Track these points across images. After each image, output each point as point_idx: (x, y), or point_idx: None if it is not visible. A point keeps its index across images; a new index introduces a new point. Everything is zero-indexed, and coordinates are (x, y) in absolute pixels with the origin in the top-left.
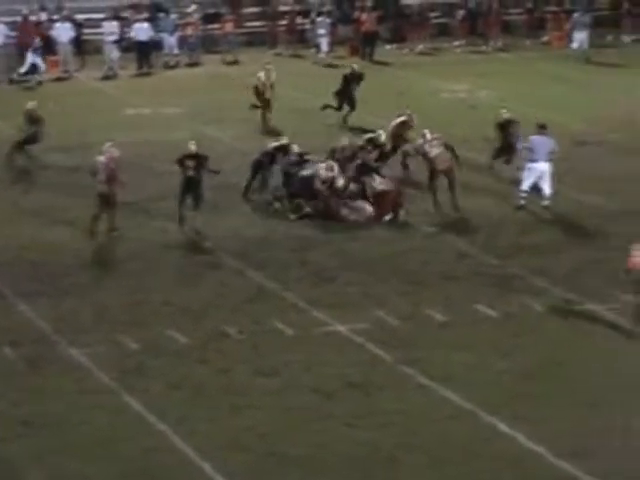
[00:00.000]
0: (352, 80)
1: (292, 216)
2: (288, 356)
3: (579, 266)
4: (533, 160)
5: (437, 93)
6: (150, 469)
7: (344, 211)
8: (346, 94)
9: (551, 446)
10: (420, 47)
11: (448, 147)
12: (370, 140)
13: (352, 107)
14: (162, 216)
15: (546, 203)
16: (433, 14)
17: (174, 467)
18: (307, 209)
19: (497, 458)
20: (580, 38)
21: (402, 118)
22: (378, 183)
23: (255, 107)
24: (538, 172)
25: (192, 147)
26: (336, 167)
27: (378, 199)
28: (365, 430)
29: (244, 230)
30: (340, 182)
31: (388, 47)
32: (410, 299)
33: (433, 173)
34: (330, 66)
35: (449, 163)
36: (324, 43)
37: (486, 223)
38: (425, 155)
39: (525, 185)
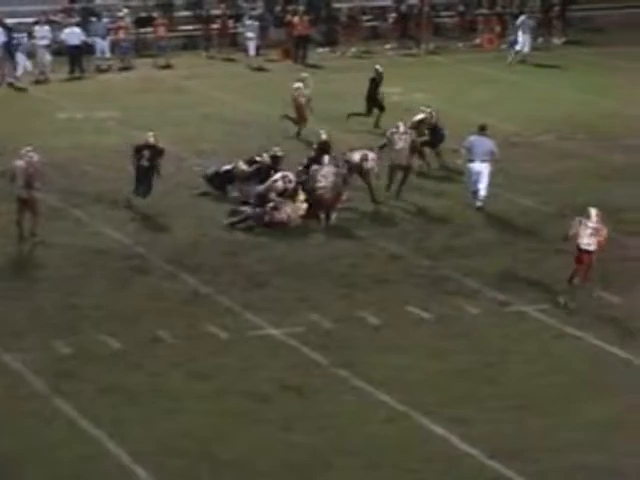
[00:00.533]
0: (379, 81)
1: (226, 221)
2: (222, 360)
3: (510, 267)
4: (470, 160)
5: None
6: (84, 475)
7: (276, 214)
8: (373, 97)
9: (485, 447)
10: (352, 50)
11: (415, 144)
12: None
13: (381, 109)
14: (95, 220)
15: (479, 204)
16: (365, 17)
17: (108, 473)
18: (247, 223)
19: (431, 459)
20: (524, 41)
21: (422, 115)
22: (318, 185)
23: (288, 118)
24: (474, 172)
25: (150, 138)
26: (293, 177)
27: (314, 200)
28: (300, 434)
29: (177, 234)
30: (301, 196)
31: (320, 50)
32: (343, 302)
33: (392, 165)
34: (260, 69)
35: (408, 160)
36: (252, 46)
37: (418, 225)
38: (391, 145)
39: (474, 186)
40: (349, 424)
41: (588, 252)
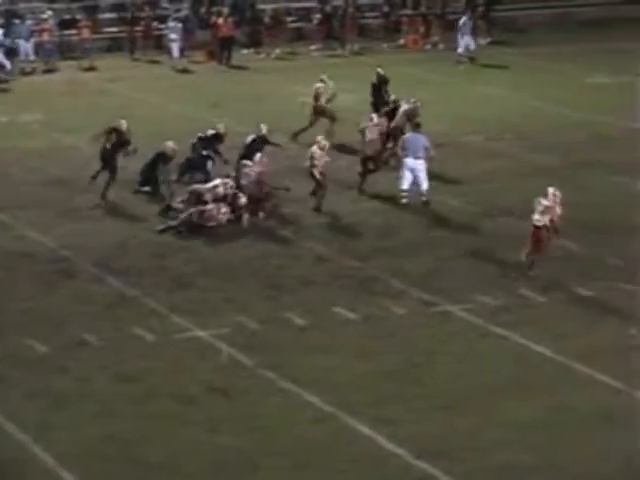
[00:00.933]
0: (381, 85)
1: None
2: (149, 363)
3: (436, 267)
4: (405, 157)
5: (295, 97)
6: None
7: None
8: (379, 101)
9: (411, 447)
10: (277, 51)
11: (383, 135)
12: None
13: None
14: (20, 224)
15: (423, 199)
16: (289, 18)
17: (34, 477)
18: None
19: (359, 460)
20: (465, 42)
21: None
22: (243, 182)
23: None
24: (408, 168)
25: (123, 126)
26: (232, 183)
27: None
28: (227, 435)
29: (103, 237)
30: (242, 200)
31: (245, 52)
32: (270, 303)
33: (363, 157)
34: (185, 71)
35: (377, 151)
36: (175, 48)
37: (344, 226)
38: (362, 136)
39: (405, 184)
40: (276, 425)
41: (536, 227)
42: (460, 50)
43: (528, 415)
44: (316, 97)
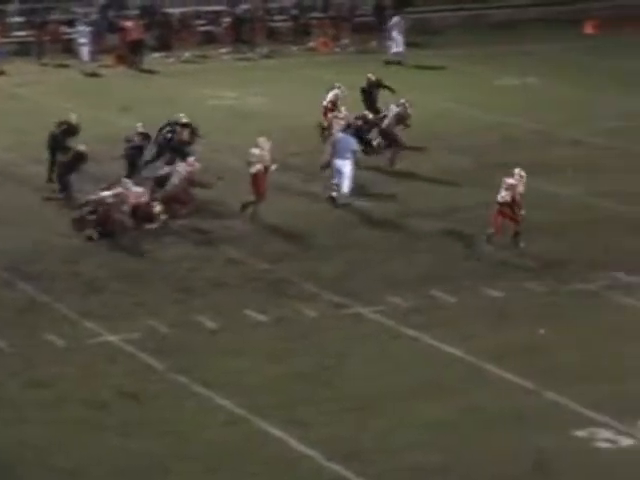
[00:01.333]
0: (371, 89)
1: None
2: (60, 368)
3: (347, 270)
4: (334, 157)
5: (204, 100)
6: None
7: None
8: (371, 105)
9: (323, 449)
10: (186, 55)
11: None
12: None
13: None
14: None
15: (333, 195)
16: (199, 22)
17: None
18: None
19: (270, 463)
20: (398, 42)
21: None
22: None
23: (322, 128)
24: (335, 169)
25: (72, 119)
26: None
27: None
28: (138, 440)
29: (14, 242)
30: (157, 208)
31: (155, 55)
32: (180, 307)
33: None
34: (95, 75)
35: None
36: (85, 52)
37: (257, 228)
38: (329, 130)
39: (336, 179)
40: (187, 429)
41: (500, 204)
42: (394, 50)
43: (439, 416)
44: (334, 103)
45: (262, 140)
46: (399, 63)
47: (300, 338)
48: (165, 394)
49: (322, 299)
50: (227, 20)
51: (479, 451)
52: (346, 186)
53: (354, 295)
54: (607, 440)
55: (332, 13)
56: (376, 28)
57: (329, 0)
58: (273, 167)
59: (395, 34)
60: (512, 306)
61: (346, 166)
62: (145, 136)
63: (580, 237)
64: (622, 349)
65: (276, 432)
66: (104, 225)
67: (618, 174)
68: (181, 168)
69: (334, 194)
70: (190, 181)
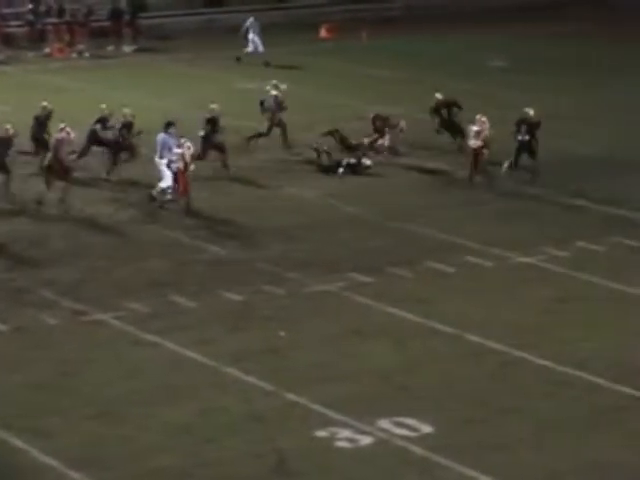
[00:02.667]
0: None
1: None
2: None
3: (86, 276)
4: (158, 157)
5: None
6: None
7: None
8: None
9: (65, 457)
10: None
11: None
12: None
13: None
14: None
15: (153, 192)
16: None
17: None
18: None
19: (12, 474)
20: (255, 42)
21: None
22: None
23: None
24: (157, 168)
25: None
26: None
27: None
28: None
29: None
30: None
31: None
32: None
33: None
34: None
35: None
36: None
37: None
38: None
39: (164, 183)
40: None
41: (474, 149)
42: (250, 49)
43: (180, 420)
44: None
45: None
46: (267, 64)
47: (40, 346)
48: None
49: (61, 306)
50: None
51: (220, 453)
52: (163, 182)
53: (93, 302)
54: (347, 439)
55: (68, 18)
56: (113, 33)
57: (64, 5)
58: None
59: (251, 35)
60: (252, 309)
61: (161, 164)
62: None
63: (319, 239)
64: (360, 349)
65: (18, 443)
66: None
67: (349, 176)
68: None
69: (154, 192)
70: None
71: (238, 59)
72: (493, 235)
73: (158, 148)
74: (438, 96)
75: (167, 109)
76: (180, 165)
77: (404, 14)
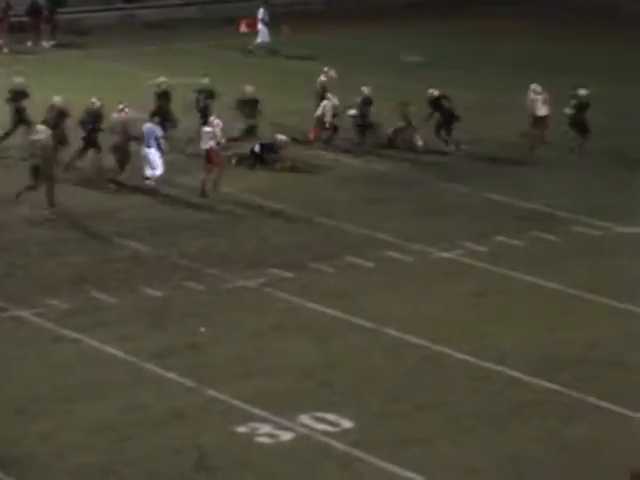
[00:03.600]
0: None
1: None
2: None
3: (5, 272)
4: (146, 146)
5: None
6: None
7: None
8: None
9: None
10: None
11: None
12: None
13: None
14: None
15: (148, 181)
16: None
17: None
18: None
19: None
20: (263, 33)
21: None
22: None
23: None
24: (143, 156)
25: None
26: None
27: None
28: None
29: None
30: None
31: None
32: None
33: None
34: None
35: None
36: None
37: None
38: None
39: (147, 171)
40: None
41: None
42: (259, 40)
43: (102, 416)
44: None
45: None
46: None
47: None
48: None
49: None
50: None
51: (142, 449)
52: (157, 169)
53: (12, 298)
54: (268, 435)
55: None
56: (31, 28)
57: None
58: None
59: (260, 26)
60: (172, 305)
61: (150, 153)
62: None
63: (240, 234)
64: (281, 344)
65: None
66: None
67: (269, 171)
68: None
69: (149, 182)
70: None
71: (250, 52)
72: (413, 230)
73: (145, 138)
74: (432, 92)
75: (86, 104)
76: (212, 143)
77: (324, 9)
